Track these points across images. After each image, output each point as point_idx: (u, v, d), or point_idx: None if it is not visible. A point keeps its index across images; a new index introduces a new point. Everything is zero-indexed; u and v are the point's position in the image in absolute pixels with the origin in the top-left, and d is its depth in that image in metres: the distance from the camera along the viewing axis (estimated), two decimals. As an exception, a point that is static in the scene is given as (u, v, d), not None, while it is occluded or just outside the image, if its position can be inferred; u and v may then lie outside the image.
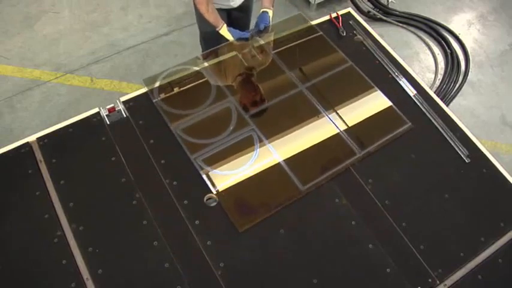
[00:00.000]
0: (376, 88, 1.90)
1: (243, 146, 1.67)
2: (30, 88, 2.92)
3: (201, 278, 1.40)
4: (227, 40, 2.01)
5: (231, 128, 1.70)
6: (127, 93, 1.81)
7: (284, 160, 1.65)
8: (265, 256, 1.46)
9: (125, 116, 1.73)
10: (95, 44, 3.20)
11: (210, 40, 2.19)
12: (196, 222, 1.50)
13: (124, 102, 1.76)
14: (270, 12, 2.06)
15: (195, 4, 2.00)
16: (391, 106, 1.86)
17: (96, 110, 1.73)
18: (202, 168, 1.59)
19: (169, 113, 1.72)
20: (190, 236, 1.47)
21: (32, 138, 1.65)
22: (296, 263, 1.46)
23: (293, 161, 1.65)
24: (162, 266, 1.40)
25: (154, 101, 1.75)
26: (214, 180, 1.57)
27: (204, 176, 1.57)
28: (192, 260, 1.43)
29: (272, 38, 2.04)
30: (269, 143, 1.69)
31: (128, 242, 1.45)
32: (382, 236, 1.53)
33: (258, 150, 1.66)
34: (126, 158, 1.61)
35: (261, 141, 1.69)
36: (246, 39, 2.01)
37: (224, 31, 1.99)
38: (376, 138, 1.75)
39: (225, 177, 1.59)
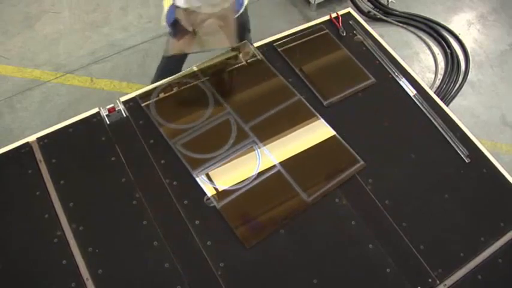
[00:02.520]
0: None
1: (245, 159, 1.65)
2: (30, 88, 2.92)
3: (201, 278, 1.40)
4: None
5: (231, 141, 1.68)
6: (127, 93, 1.81)
7: (286, 170, 1.63)
8: (265, 256, 1.46)
9: (124, 116, 1.73)
10: (95, 44, 3.20)
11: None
12: (196, 222, 1.50)
13: (124, 102, 1.76)
14: None
15: None
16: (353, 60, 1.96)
17: (96, 110, 1.73)
18: (204, 183, 1.57)
19: (167, 128, 1.70)
20: (190, 236, 1.47)
21: (32, 138, 1.65)
22: (296, 263, 1.46)
23: (296, 170, 1.63)
24: (162, 266, 1.40)
25: (150, 116, 1.72)
26: (218, 195, 1.56)
27: (207, 191, 1.55)
28: (192, 260, 1.43)
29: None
30: (270, 153, 1.67)
31: (128, 242, 1.45)
32: (382, 236, 1.53)
33: (260, 161, 1.64)
34: (126, 158, 1.61)
35: (262, 152, 1.67)
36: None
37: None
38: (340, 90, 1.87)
39: (228, 192, 1.57)
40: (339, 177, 1.64)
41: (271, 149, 1.68)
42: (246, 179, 1.60)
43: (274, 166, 1.64)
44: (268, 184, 1.60)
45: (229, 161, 1.63)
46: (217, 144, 1.68)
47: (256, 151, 1.67)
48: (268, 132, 1.73)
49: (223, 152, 1.66)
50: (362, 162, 1.68)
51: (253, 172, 1.62)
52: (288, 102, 1.83)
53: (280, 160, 1.66)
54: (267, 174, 1.62)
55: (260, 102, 1.83)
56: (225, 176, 1.60)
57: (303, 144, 1.71)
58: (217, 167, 1.62)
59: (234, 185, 1.58)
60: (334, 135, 1.74)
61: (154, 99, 1.77)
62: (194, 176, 1.58)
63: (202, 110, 1.77)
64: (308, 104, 1.82)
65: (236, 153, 1.66)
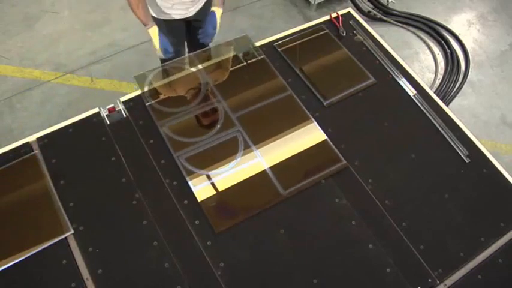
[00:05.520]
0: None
1: (228, 147, 1.66)
2: (30, 88, 2.92)
3: (201, 278, 1.40)
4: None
5: (218, 126, 1.71)
6: (127, 93, 1.81)
7: (267, 163, 1.64)
8: (265, 256, 1.46)
9: (124, 116, 1.73)
10: (95, 44, 3.20)
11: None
12: (196, 222, 1.50)
13: (124, 102, 1.76)
14: (218, 12, 1.93)
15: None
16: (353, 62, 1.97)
17: (96, 110, 1.74)
18: (185, 168, 1.59)
19: (158, 110, 1.72)
20: (190, 236, 1.47)
21: (32, 138, 1.65)
22: (296, 263, 1.46)
23: (277, 165, 1.64)
24: (162, 266, 1.40)
25: (142, 96, 1.75)
26: (196, 180, 1.57)
27: (185, 175, 1.57)
28: (192, 260, 1.43)
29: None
30: (254, 145, 1.68)
31: (127, 242, 1.45)
32: (382, 236, 1.53)
33: (241, 152, 1.66)
34: (126, 158, 1.61)
35: (245, 143, 1.68)
36: (170, 58, 1.92)
37: (153, 32, 1.87)
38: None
39: (207, 177, 1.59)
40: (318, 173, 1.64)
41: (255, 140, 1.69)
42: (226, 166, 1.61)
43: (256, 158, 1.65)
44: (247, 174, 1.61)
45: (212, 148, 1.66)
46: (203, 129, 1.71)
47: (239, 141, 1.68)
48: (255, 123, 1.74)
49: (208, 137, 1.66)
50: (344, 162, 1.67)
51: (234, 161, 1.63)
52: (278, 96, 1.83)
53: (263, 153, 1.67)
54: (248, 164, 1.63)
55: (252, 98, 1.83)
56: (207, 161, 1.62)
57: (287, 139, 1.72)
58: (200, 151, 1.64)
59: (214, 171, 1.60)
60: (323, 135, 1.73)
61: (156, 100, 1.77)
62: (175, 157, 1.60)
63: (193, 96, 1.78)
64: (298, 100, 1.82)
65: (220, 140, 1.68)
